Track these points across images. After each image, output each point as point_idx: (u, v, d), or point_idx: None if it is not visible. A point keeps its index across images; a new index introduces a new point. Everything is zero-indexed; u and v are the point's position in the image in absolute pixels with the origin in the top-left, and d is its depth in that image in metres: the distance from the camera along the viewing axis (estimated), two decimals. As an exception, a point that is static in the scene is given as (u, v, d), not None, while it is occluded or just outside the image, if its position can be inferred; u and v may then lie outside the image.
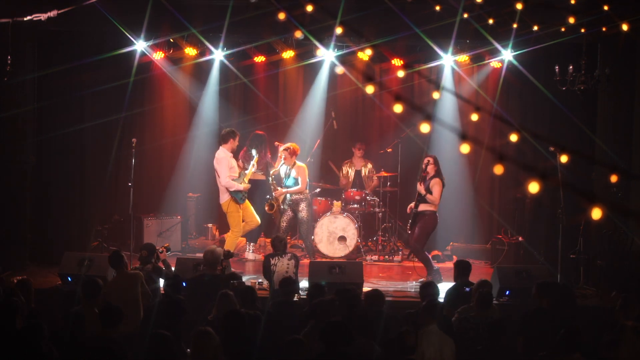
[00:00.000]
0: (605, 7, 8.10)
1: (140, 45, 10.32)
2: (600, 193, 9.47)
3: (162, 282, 7.72)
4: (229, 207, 9.79)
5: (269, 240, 10.28)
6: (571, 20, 8.30)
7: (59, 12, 9.23)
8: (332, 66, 11.39)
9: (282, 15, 6.35)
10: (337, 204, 10.94)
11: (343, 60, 10.87)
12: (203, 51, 10.96)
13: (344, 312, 6.29)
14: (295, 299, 7.20)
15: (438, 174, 9.39)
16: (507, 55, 10.25)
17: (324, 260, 10.18)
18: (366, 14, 9.32)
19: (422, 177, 9.46)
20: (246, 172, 10.01)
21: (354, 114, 12.55)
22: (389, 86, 11.55)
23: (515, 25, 8.93)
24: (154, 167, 11.74)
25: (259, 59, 11.36)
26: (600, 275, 9.07)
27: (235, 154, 10.20)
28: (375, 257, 10.89)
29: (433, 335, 5.79)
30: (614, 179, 4.80)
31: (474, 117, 7.05)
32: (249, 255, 10.79)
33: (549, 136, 10.31)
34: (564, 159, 5.54)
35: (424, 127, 3.99)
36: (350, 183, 11.58)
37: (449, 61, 10.91)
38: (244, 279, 8.46)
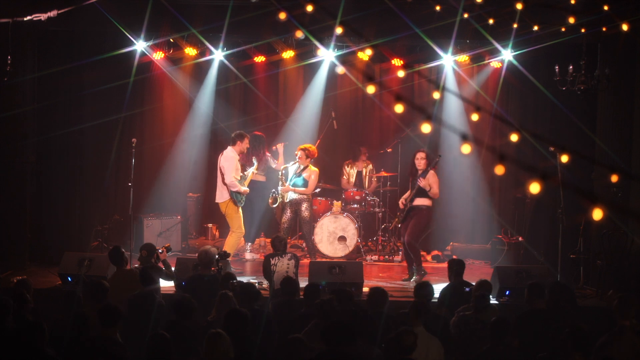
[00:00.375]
0: (605, 7, 8.09)
1: (140, 45, 10.32)
2: (600, 193, 9.47)
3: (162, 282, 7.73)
4: (228, 209, 9.82)
5: (269, 240, 10.29)
6: (571, 20, 8.29)
7: (59, 12, 9.23)
8: (332, 66, 11.39)
9: (282, 15, 6.34)
10: (337, 204, 10.94)
11: (343, 60, 10.88)
12: (203, 51, 10.97)
13: (343, 312, 6.30)
14: None
15: (430, 168, 9.46)
16: (507, 55, 10.26)
17: (324, 260, 10.18)
18: (366, 14, 9.32)
19: (415, 171, 9.51)
20: (246, 176, 10.05)
21: (354, 114, 12.55)
22: (389, 86, 11.55)
23: (515, 25, 8.93)
24: (154, 167, 11.74)
25: (259, 59, 11.36)
26: (600, 275, 9.07)
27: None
28: (375, 257, 10.89)
29: (421, 336, 5.79)
30: (614, 179, 4.79)
31: (475, 117, 7.05)
32: (247, 254, 10.80)
33: (549, 136, 10.30)
34: (564, 159, 5.53)
35: (425, 127, 3.99)
36: (352, 183, 11.58)
37: (449, 61, 10.91)
38: (244, 279, 8.46)
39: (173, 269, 8.41)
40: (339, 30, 7.55)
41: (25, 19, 9.25)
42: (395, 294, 8.65)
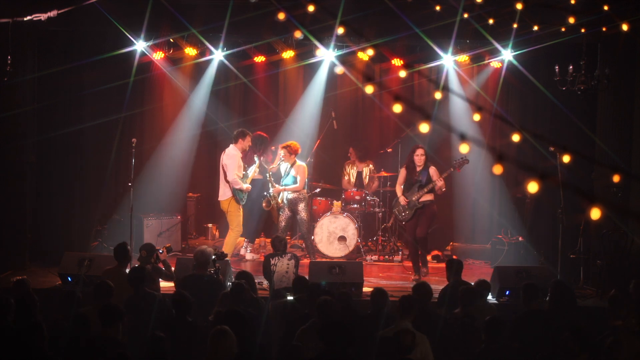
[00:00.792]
0: (605, 7, 8.09)
1: (140, 46, 10.32)
2: (600, 193, 9.46)
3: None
4: (230, 206, 9.84)
5: (268, 240, 10.29)
6: (571, 20, 8.29)
7: (59, 12, 9.23)
8: (332, 66, 11.39)
9: (282, 15, 6.34)
10: (337, 204, 10.94)
11: (343, 60, 10.87)
12: (203, 51, 10.97)
13: (341, 312, 6.31)
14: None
15: (454, 169, 9.60)
16: (507, 55, 10.26)
17: (324, 260, 10.18)
18: (366, 14, 9.32)
19: (413, 166, 9.56)
20: (248, 174, 10.07)
21: (354, 114, 12.55)
22: (389, 86, 11.56)
23: (515, 25, 8.93)
24: (154, 167, 11.73)
25: (259, 59, 11.36)
26: (600, 275, 9.06)
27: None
28: (375, 257, 10.89)
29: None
30: (616, 179, 4.80)
31: (476, 117, 7.06)
32: (247, 255, 10.80)
33: (549, 136, 10.30)
34: (565, 159, 5.54)
35: (423, 127, 3.99)
36: (352, 183, 11.58)
37: (449, 61, 10.91)
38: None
39: (173, 269, 8.42)
40: (340, 30, 7.56)
41: (25, 19, 9.25)
42: (395, 294, 8.65)
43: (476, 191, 11.59)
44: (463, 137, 3.72)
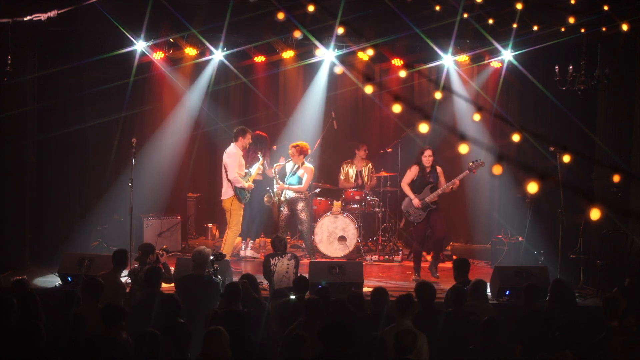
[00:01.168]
0: (605, 7, 8.10)
1: (140, 46, 10.32)
2: (600, 193, 9.46)
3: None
4: (232, 205, 9.84)
5: (269, 240, 10.29)
6: (571, 20, 8.30)
7: (59, 12, 9.23)
8: (332, 66, 11.39)
9: (282, 15, 6.35)
10: (337, 204, 10.94)
11: (343, 60, 10.87)
12: (203, 51, 10.97)
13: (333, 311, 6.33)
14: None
15: (470, 171, 9.62)
16: (507, 55, 10.26)
17: (324, 260, 10.18)
18: (366, 14, 9.32)
19: (422, 167, 9.58)
20: (251, 172, 10.07)
21: (354, 114, 12.55)
22: (389, 86, 11.56)
23: (515, 25, 8.94)
24: (154, 167, 11.73)
25: (259, 59, 11.36)
26: (600, 275, 9.06)
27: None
28: (375, 257, 10.89)
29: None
30: (616, 179, 4.80)
31: (476, 117, 7.07)
32: (247, 252, 10.80)
33: (549, 136, 10.30)
34: (565, 158, 5.55)
35: (422, 127, 3.99)
36: (351, 182, 11.58)
37: (449, 61, 10.91)
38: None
39: (173, 269, 8.43)
40: (340, 30, 7.57)
41: (25, 19, 9.25)
42: (395, 294, 8.64)
43: (476, 191, 11.59)
44: (463, 138, 3.73)
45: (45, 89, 10.20)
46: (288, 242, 10.40)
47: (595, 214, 3.57)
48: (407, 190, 9.77)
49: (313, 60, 11.37)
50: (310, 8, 7.21)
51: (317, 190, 11.08)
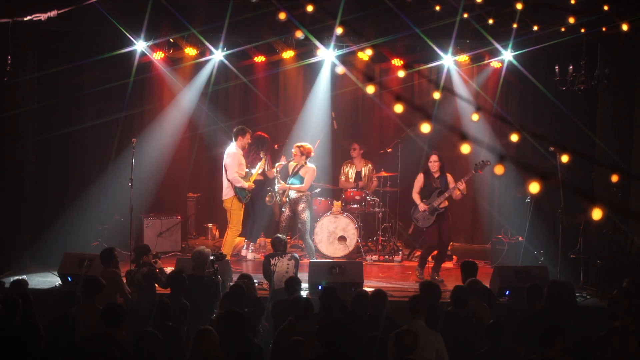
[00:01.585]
0: (605, 7, 8.09)
1: (140, 45, 10.33)
2: (600, 193, 9.46)
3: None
4: (233, 205, 9.84)
5: (269, 240, 10.29)
6: (571, 20, 8.30)
7: (59, 12, 9.23)
8: (332, 66, 11.40)
9: (282, 15, 6.34)
10: (337, 204, 10.94)
11: (343, 60, 10.88)
12: (203, 51, 10.97)
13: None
14: None
15: (476, 172, 9.56)
16: (507, 55, 10.26)
17: (324, 260, 10.18)
18: (366, 14, 9.32)
19: (429, 172, 9.54)
20: (252, 172, 10.07)
21: (354, 114, 12.55)
22: (389, 86, 11.55)
23: (515, 25, 8.93)
24: (154, 167, 11.73)
25: (259, 59, 11.36)
26: (600, 275, 9.06)
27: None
28: (375, 257, 10.88)
29: (420, 331, 5.85)
30: (614, 179, 4.80)
31: (475, 117, 7.07)
32: (249, 254, 10.80)
33: (549, 136, 10.30)
34: (564, 159, 5.54)
35: (424, 127, 3.99)
36: (351, 183, 11.57)
37: (449, 61, 10.91)
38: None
39: (173, 269, 8.41)
40: (339, 30, 7.56)
41: (25, 19, 9.25)
42: (395, 294, 8.66)
43: (476, 191, 11.59)
44: (464, 137, 3.73)
45: (45, 89, 10.20)
46: (288, 242, 10.40)
47: (596, 214, 3.57)
48: (416, 199, 9.73)
49: (313, 60, 11.37)
50: (309, 8, 7.21)
51: (317, 190, 11.08)
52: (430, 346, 5.88)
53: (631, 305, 6.43)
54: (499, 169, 3.64)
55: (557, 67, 8.92)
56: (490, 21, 8.87)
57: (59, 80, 10.21)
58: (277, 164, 10.47)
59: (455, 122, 11.33)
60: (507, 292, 8.49)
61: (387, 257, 10.93)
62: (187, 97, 11.82)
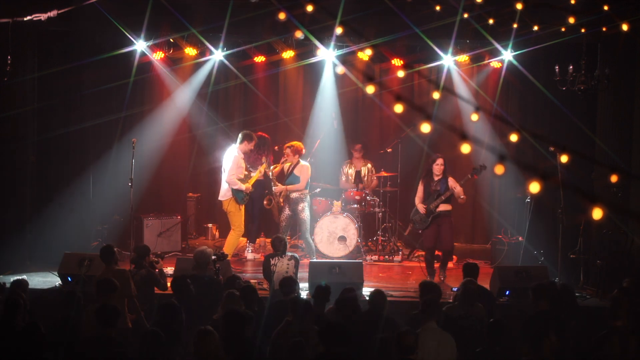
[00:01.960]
0: (605, 7, 8.09)
1: (140, 45, 10.33)
2: (600, 193, 9.46)
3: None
4: (229, 207, 9.82)
5: (269, 240, 10.29)
6: (571, 20, 8.30)
7: (59, 12, 9.23)
8: (333, 67, 11.39)
9: (282, 15, 6.35)
10: (337, 204, 10.94)
11: (343, 60, 10.88)
12: (203, 51, 10.97)
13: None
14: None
15: (472, 176, 9.58)
16: (507, 55, 10.26)
17: (324, 260, 10.18)
18: (366, 14, 9.32)
19: (431, 175, 9.53)
20: (252, 174, 10.06)
21: (354, 114, 12.54)
22: (389, 86, 11.55)
23: (515, 25, 8.93)
24: (154, 167, 11.74)
25: (259, 59, 11.36)
26: (600, 275, 9.06)
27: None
28: (375, 257, 10.88)
29: (432, 332, 5.87)
30: (614, 179, 4.79)
31: (474, 117, 7.07)
32: (249, 255, 10.80)
33: (549, 136, 10.30)
34: (564, 159, 5.55)
35: (424, 127, 3.99)
36: (351, 182, 11.57)
37: (449, 61, 10.90)
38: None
39: (173, 269, 8.41)
40: (339, 30, 7.57)
41: (25, 19, 9.26)
42: (395, 294, 8.67)
43: (476, 191, 11.58)
44: (464, 137, 3.73)
45: (45, 89, 10.19)
46: (288, 242, 10.40)
47: (597, 214, 3.57)
48: (417, 204, 9.76)
49: (313, 60, 11.37)
50: (309, 8, 7.21)
51: (318, 190, 11.08)
52: (445, 347, 5.88)
53: (631, 305, 6.44)
54: (499, 169, 3.64)
55: (557, 67, 8.92)
56: (490, 21, 8.87)
57: (59, 80, 10.20)
58: (272, 167, 10.47)
59: (455, 121, 11.33)
60: (507, 292, 8.49)
61: (387, 257, 10.92)
62: (186, 97, 11.82)
